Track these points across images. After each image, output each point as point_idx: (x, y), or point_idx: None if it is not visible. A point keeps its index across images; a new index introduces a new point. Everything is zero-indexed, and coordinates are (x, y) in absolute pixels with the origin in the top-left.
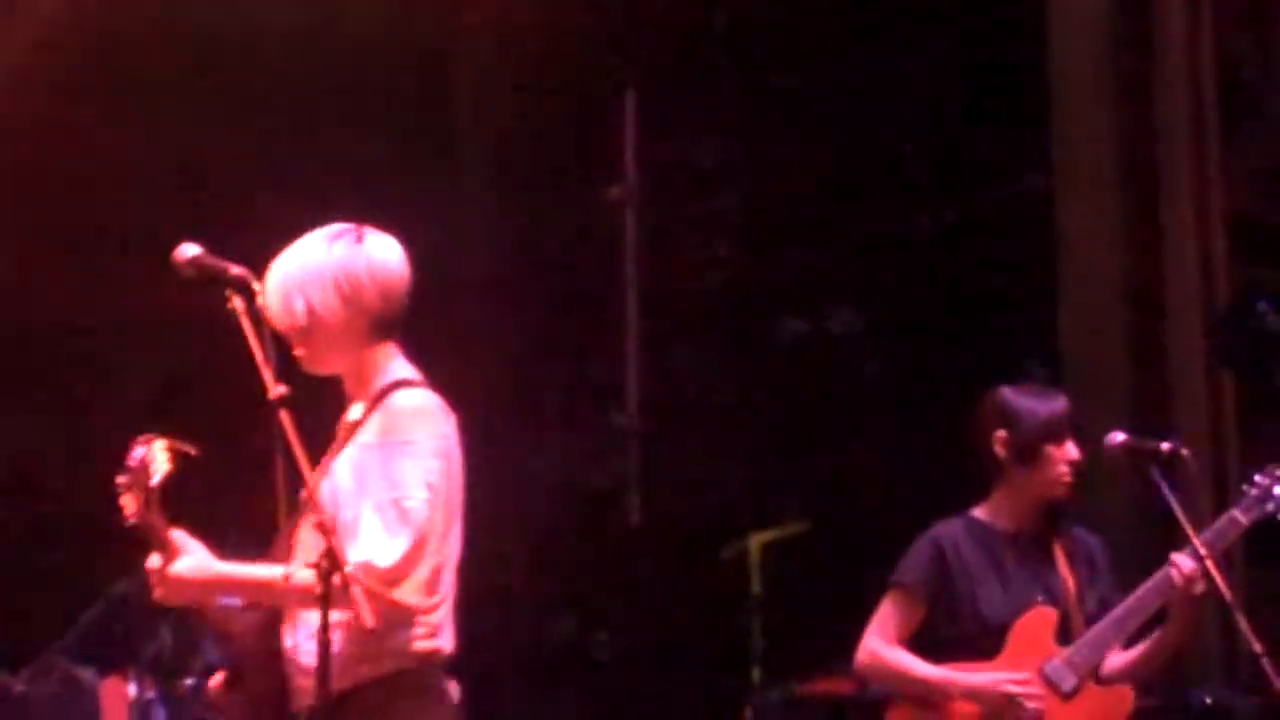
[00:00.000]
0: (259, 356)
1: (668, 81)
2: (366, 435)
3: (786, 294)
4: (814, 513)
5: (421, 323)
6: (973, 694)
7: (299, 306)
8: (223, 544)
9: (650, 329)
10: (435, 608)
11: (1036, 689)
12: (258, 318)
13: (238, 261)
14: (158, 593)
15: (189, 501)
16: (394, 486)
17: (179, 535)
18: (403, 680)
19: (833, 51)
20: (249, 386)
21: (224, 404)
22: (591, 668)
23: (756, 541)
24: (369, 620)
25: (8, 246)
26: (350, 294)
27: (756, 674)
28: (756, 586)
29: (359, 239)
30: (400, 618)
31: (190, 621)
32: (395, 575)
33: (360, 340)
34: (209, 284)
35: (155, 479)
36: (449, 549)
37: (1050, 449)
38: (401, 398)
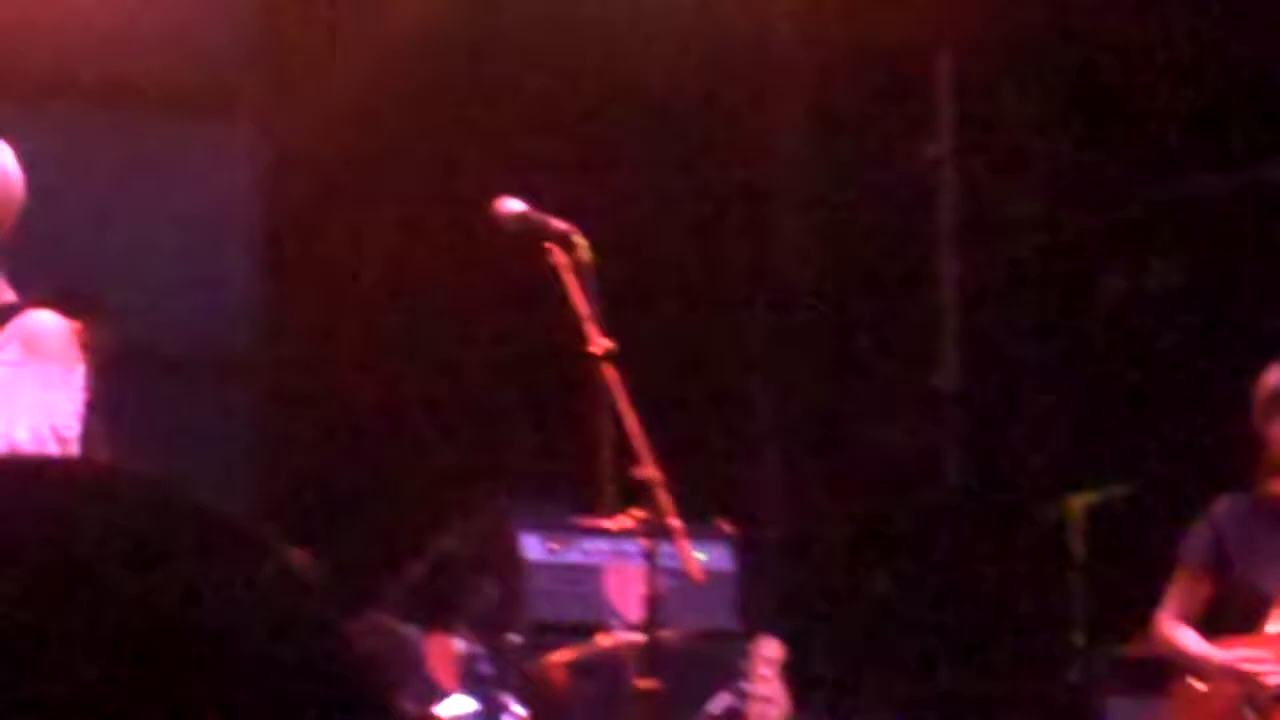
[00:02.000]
0: (581, 311)
1: (983, 38)
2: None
3: (1105, 252)
4: (1136, 474)
5: (740, 288)
6: (1222, 671)
7: None
8: (550, 495)
9: (967, 289)
10: None
11: (1274, 665)
12: (580, 272)
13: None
14: None
15: (497, 446)
16: (50, 414)
17: None
18: None
19: (1157, 7)
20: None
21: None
22: (908, 630)
23: (1078, 503)
24: None
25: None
26: None
27: (1079, 637)
28: (1079, 549)
29: None
30: None
31: (517, 578)
32: None
33: None
34: (530, 238)
35: None
36: None
37: None
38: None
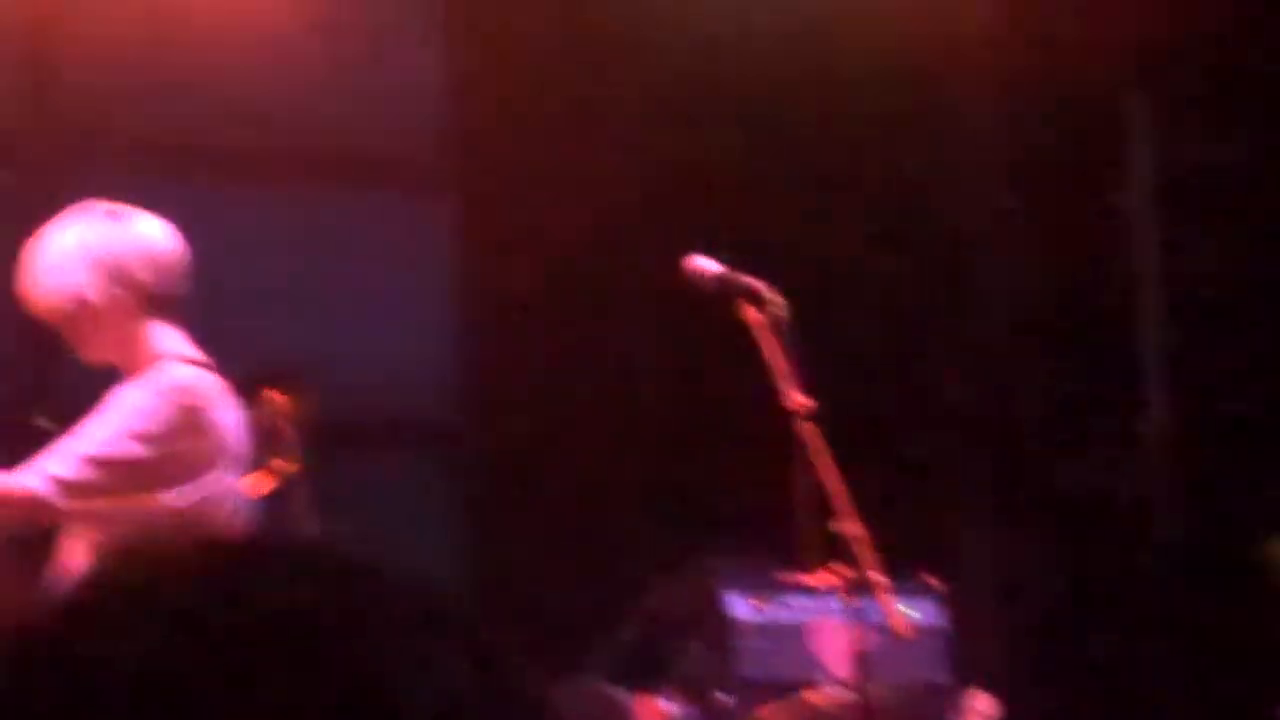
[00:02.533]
0: (776, 368)
1: (1177, 79)
2: None
3: None
4: None
5: (938, 338)
6: None
7: (67, 292)
8: (755, 553)
9: (1170, 338)
10: None
11: None
12: (776, 328)
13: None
14: None
15: (698, 505)
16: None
17: None
18: None
19: None
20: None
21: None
22: (1125, 683)
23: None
24: None
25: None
26: (116, 272)
27: None
28: None
29: (121, 217)
30: None
31: (726, 639)
32: None
33: (130, 320)
34: (726, 296)
35: None
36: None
37: None
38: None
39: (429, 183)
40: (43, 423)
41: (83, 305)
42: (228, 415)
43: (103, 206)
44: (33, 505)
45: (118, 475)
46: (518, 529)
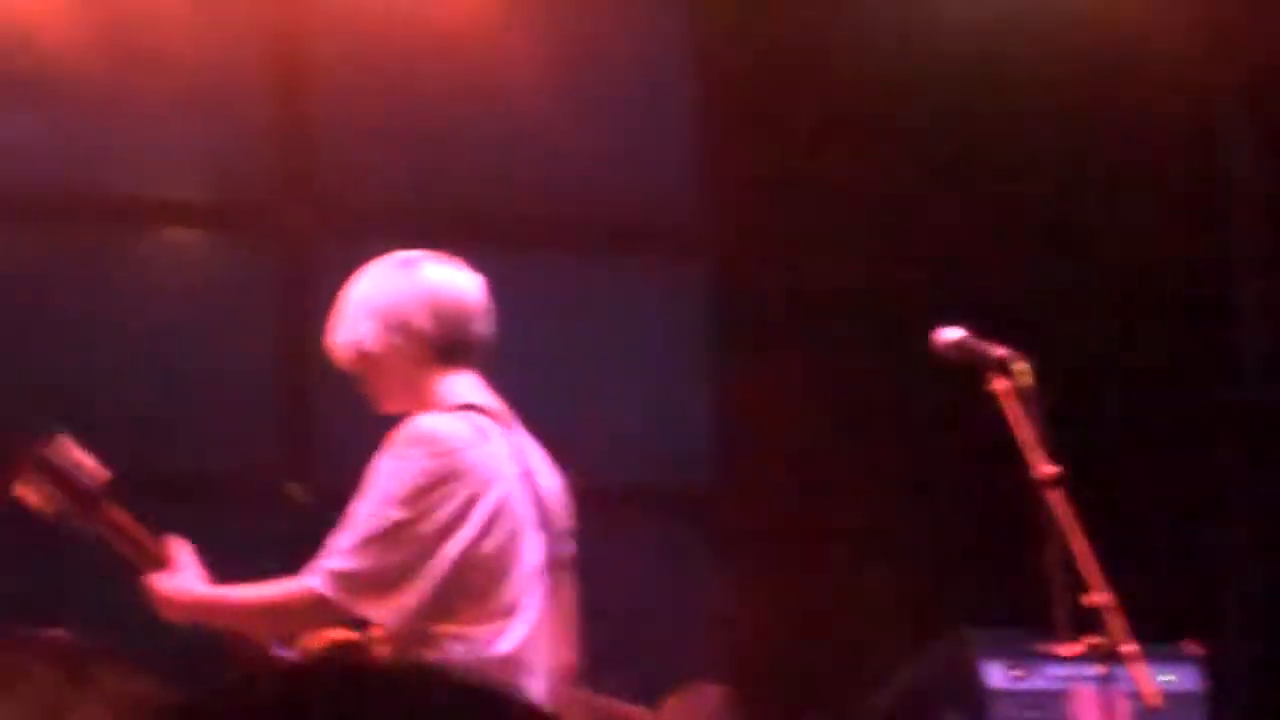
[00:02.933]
0: (1024, 438)
1: None
2: None
3: None
4: None
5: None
6: None
7: (349, 343)
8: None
9: None
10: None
11: None
12: (1023, 396)
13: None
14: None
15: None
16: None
17: (176, 546)
18: None
19: None
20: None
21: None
22: None
23: None
24: None
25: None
26: (396, 321)
27: None
28: None
29: (410, 264)
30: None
31: (983, 709)
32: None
33: (416, 369)
34: (970, 364)
35: (93, 477)
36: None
37: None
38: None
39: (681, 247)
40: (294, 491)
41: (364, 356)
42: (494, 453)
43: (399, 255)
44: (316, 606)
45: (390, 547)
46: (772, 597)
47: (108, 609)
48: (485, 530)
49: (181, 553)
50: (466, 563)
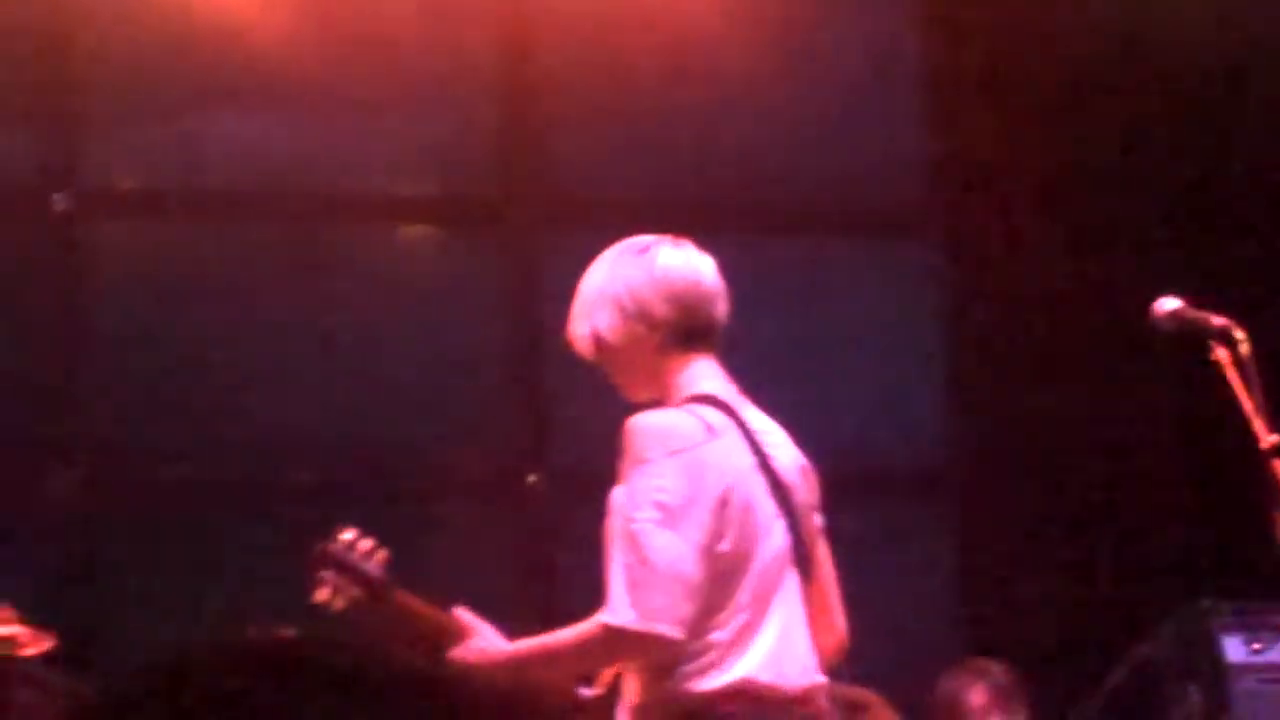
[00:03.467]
0: (1247, 406)
1: None
2: None
3: None
4: None
5: None
6: None
7: (588, 333)
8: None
9: None
10: (702, 638)
11: None
12: (1243, 367)
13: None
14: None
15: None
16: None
17: (462, 615)
18: None
19: None
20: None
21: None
22: None
23: None
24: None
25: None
26: (633, 308)
27: None
28: None
29: (645, 250)
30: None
31: (1222, 682)
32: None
33: (656, 356)
34: (1189, 336)
35: (379, 565)
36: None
37: None
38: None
39: (912, 228)
40: (535, 480)
41: (604, 345)
42: (725, 448)
43: (633, 241)
44: (612, 637)
45: (664, 562)
46: (1010, 576)
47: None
48: (720, 530)
49: (470, 619)
50: (711, 565)
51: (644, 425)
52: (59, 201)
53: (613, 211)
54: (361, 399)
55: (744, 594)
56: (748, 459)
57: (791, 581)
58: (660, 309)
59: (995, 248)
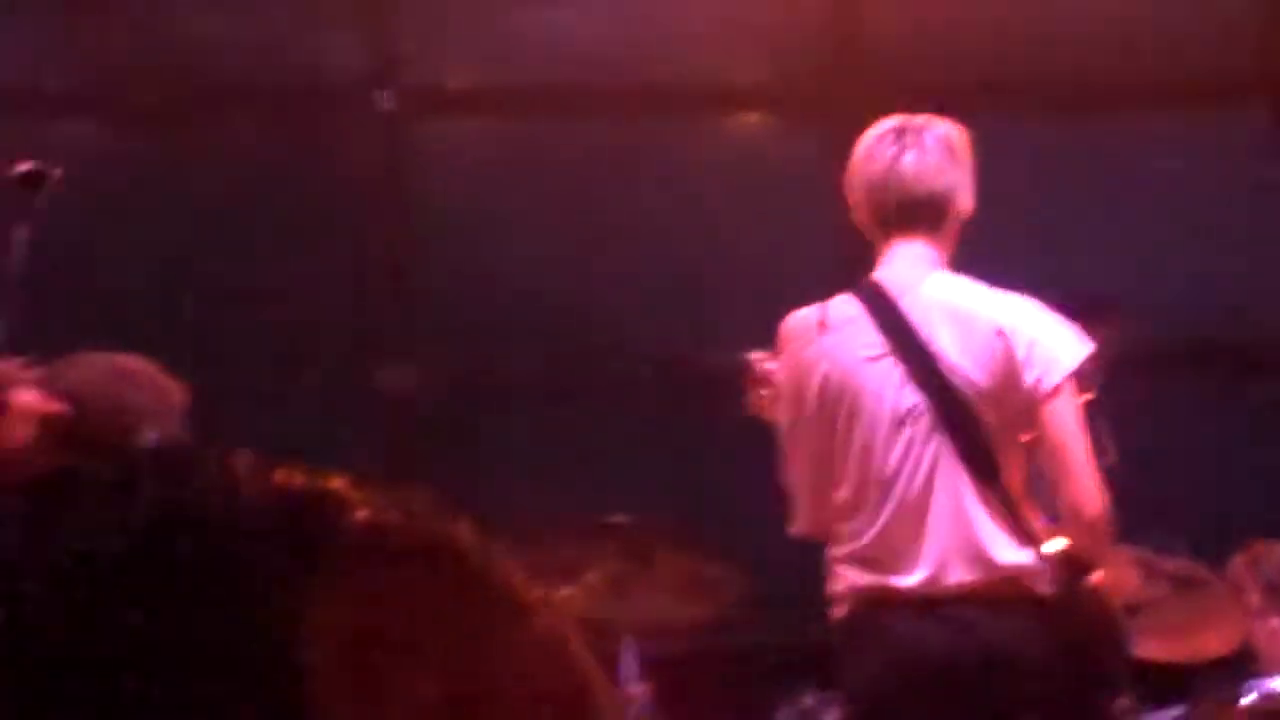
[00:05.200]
0: None
1: None
2: None
3: None
4: None
5: None
6: None
7: None
8: None
9: None
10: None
11: None
12: None
13: None
14: None
15: None
16: None
17: None
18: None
19: None
20: None
21: None
22: None
23: None
24: None
25: None
26: (849, 197)
27: None
28: None
29: (863, 139)
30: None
31: None
32: None
33: (878, 241)
34: None
35: None
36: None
37: None
38: None
39: (1240, 93)
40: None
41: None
42: (831, 344)
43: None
44: None
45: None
46: None
47: (672, 493)
48: (816, 418)
49: None
50: (811, 455)
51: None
52: (383, 100)
53: (939, 96)
54: (693, 292)
55: (849, 482)
56: (867, 351)
57: (914, 467)
58: (852, 196)
59: None
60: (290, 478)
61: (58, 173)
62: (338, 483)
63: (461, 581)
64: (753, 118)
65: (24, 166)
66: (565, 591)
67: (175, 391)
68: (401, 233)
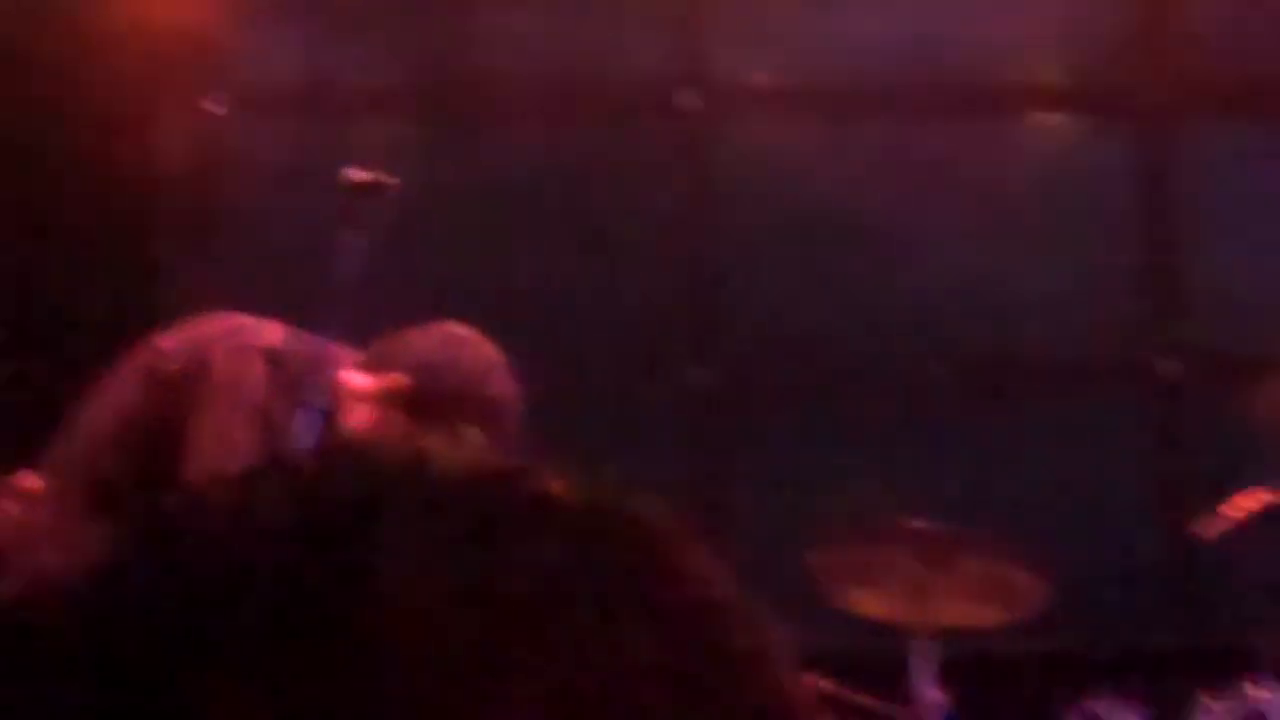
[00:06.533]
0: None
1: None
2: None
3: None
4: None
5: None
6: None
7: None
8: None
9: None
10: None
11: None
12: None
13: None
14: None
15: None
16: None
17: None
18: None
19: None
20: None
21: None
22: None
23: None
24: None
25: None
26: None
27: None
28: None
29: None
30: None
31: None
32: None
33: None
34: None
35: None
36: None
37: None
38: None
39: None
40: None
41: None
42: None
43: None
44: None
45: None
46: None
47: (969, 494)
48: None
49: None
50: None
51: None
52: (684, 98)
53: (1246, 95)
54: (995, 294)
55: None
56: None
57: None
58: None
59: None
60: (488, 458)
61: (395, 183)
62: (535, 464)
63: (636, 566)
64: (1056, 117)
65: (361, 175)
66: (860, 593)
67: (499, 355)
68: (705, 232)
